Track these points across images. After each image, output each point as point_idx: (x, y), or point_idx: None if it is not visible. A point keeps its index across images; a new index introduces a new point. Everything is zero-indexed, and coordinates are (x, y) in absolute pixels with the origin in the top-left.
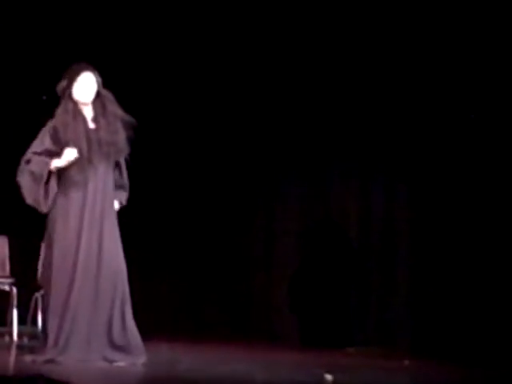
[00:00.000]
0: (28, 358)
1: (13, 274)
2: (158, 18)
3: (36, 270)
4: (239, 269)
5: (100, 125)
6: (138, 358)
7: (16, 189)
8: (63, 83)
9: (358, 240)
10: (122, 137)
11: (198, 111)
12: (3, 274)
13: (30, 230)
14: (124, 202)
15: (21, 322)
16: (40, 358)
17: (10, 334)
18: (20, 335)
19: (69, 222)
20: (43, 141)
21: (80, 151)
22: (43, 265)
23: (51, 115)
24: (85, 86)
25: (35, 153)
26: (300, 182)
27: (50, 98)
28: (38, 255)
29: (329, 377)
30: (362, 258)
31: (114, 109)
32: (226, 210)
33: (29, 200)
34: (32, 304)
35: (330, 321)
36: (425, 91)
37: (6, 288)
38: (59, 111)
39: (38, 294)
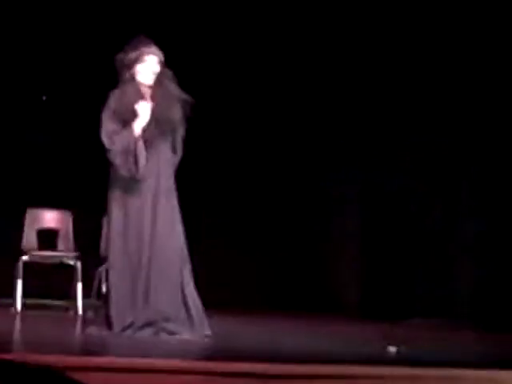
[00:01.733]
0: (91, 331)
1: (77, 248)
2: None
3: (99, 244)
4: (302, 241)
5: (157, 103)
6: (200, 331)
7: (77, 163)
8: (127, 59)
9: (422, 212)
10: (178, 114)
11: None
12: (68, 249)
13: (93, 204)
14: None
15: (85, 295)
16: (103, 332)
17: (75, 308)
18: (85, 309)
19: (124, 201)
20: (110, 120)
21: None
22: (105, 240)
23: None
24: (149, 69)
25: (112, 133)
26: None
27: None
28: (101, 229)
29: (392, 348)
30: (425, 229)
31: (172, 87)
32: (289, 184)
33: (125, 173)
34: (96, 278)
35: (391, 292)
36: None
37: (71, 262)
38: (119, 92)
39: (101, 268)
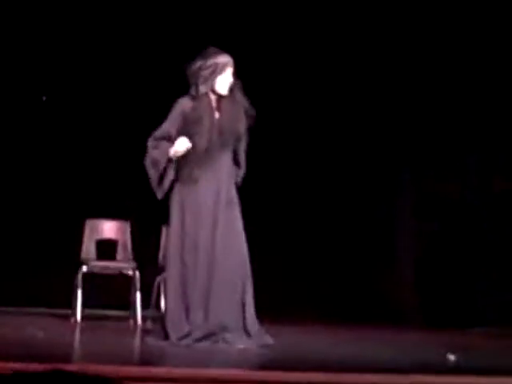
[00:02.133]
0: (149, 341)
1: (135, 258)
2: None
3: (157, 253)
4: (363, 250)
5: (225, 113)
6: (259, 341)
7: (134, 174)
8: (205, 70)
9: (484, 221)
10: (243, 126)
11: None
12: (126, 259)
13: (150, 214)
14: (238, 182)
15: (144, 305)
16: (160, 342)
17: (134, 318)
18: (144, 319)
19: (182, 211)
20: (170, 125)
21: (200, 145)
22: (163, 250)
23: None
24: (227, 81)
25: (160, 138)
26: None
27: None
28: (159, 239)
29: (452, 357)
30: (488, 238)
31: (241, 97)
32: (343, 194)
33: (151, 184)
34: (155, 288)
35: (453, 301)
36: None
37: (130, 272)
38: (195, 102)
39: (159, 278)
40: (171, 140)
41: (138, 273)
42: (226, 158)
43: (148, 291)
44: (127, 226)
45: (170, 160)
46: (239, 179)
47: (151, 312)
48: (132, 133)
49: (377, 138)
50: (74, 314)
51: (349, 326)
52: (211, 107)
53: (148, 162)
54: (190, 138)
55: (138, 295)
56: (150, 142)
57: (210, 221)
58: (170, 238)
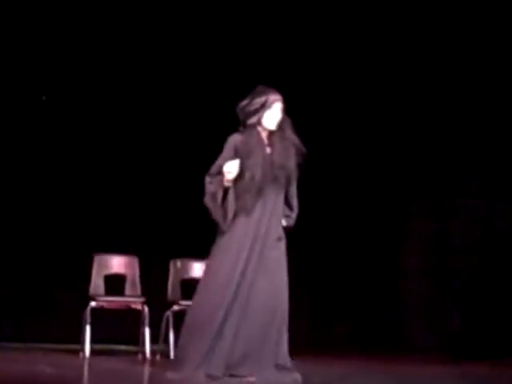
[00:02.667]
0: (169, 375)
1: (143, 292)
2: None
3: (166, 288)
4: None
5: (275, 149)
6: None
7: (143, 209)
8: (254, 105)
9: None
10: (293, 162)
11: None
12: (135, 294)
13: (158, 249)
14: (290, 225)
15: (153, 340)
16: (179, 376)
17: (143, 353)
18: (153, 353)
19: (229, 248)
20: (223, 160)
21: (254, 179)
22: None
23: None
24: (276, 116)
25: (215, 173)
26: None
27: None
28: (167, 274)
29: None
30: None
31: (291, 134)
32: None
33: (216, 219)
34: (163, 322)
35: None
36: None
37: (138, 307)
38: (244, 136)
39: (169, 313)
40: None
41: (146, 307)
42: (275, 196)
43: (156, 326)
44: (135, 261)
45: (226, 190)
46: (292, 222)
47: (160, 347)
48: (144, 167)
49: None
50: (83, 349)
51: (366, 357)
52: (262, 141)
53: (207, 198)
54: (243, 171)
55: (147, 330)
56: (207, 179)
57: (255, 259)
58: (208, 274)
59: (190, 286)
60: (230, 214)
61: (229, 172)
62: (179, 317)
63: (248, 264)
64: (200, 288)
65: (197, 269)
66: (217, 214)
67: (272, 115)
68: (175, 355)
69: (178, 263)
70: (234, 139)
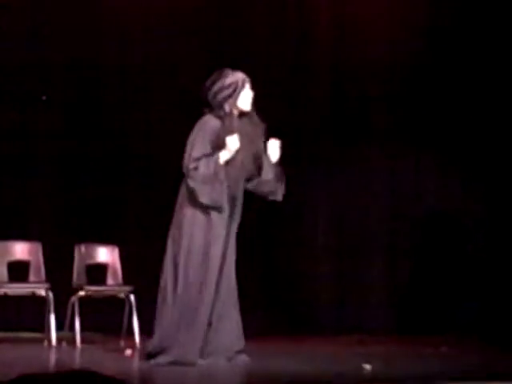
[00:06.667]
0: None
1: (48, 279)
2: None
3: (71, 274)
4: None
5: (246, 132)
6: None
7: (40, 193)
8: (228, 88)
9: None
10: (262, 143)
11: None
12: (39, 280)
13: (62, 234)
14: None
15: (58, 327)
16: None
17: (49, 340)
18: (59, 340)
19: (208, 224)
20: (204, 143)
21: (243, 163)
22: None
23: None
24: (250, 95)
25: (198, 158)
26: None
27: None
28: (72, 259)
29: (367, 366)
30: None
31: (257, 119)
32: None
33: (206, 201)
34: (69, 309)
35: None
36: None
37: (42, 293)
38: (220, 119)
39: (74, 298)
40: (210, 156)
41: (51, 294)
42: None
43: (62, 313)
44: (39, 247)
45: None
46: (279, 197)
47: (66, 334)
48: (47, 149)
49: None
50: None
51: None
52: (238, 125)
53: (199, 181)
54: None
55: (52, 316)
56: (192, 164)
57: (224, 235)
58: (180, 256)
59: (95, 271)
60: (225, 189)
61: (233, 145)
62: (85, 303)
63: (227, 245)
64: (180, 268)
65: (102, 254)
66: (215, 192)
67: (246, 95)
68: (157, 342)
69: (83, 248)
70: (211, 123)
